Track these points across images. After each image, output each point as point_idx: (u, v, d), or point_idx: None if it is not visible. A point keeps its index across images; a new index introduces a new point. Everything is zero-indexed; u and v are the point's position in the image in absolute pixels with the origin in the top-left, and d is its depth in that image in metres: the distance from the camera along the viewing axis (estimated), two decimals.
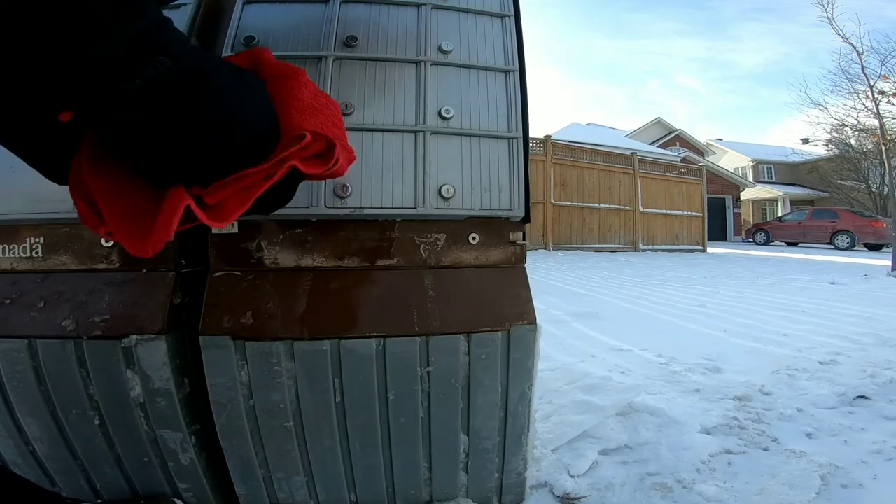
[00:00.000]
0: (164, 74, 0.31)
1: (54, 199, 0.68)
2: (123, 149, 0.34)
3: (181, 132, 0.33)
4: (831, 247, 12.41)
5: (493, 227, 0.76)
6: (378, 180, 0.72)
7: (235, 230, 0.71)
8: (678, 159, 15.03)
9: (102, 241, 0.70)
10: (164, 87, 0.32)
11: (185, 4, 0.77)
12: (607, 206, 9.02)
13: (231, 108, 0.36)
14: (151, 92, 0.31)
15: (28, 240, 0.71)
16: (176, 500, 0.76)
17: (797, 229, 13.76)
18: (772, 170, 23.32)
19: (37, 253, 0.71)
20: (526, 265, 0.78)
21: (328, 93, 0.72)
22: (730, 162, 22.98)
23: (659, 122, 23.54)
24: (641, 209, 9.39)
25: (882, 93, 6.93)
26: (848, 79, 8.23)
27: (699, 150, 22.76)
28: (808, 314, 2.87)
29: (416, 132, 0.73)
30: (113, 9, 0.29)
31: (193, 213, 0.36)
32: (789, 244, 13.88)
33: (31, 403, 0.69)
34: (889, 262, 5.92)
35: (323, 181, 0.68)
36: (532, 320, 0.73)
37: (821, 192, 19.98)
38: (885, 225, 11.22)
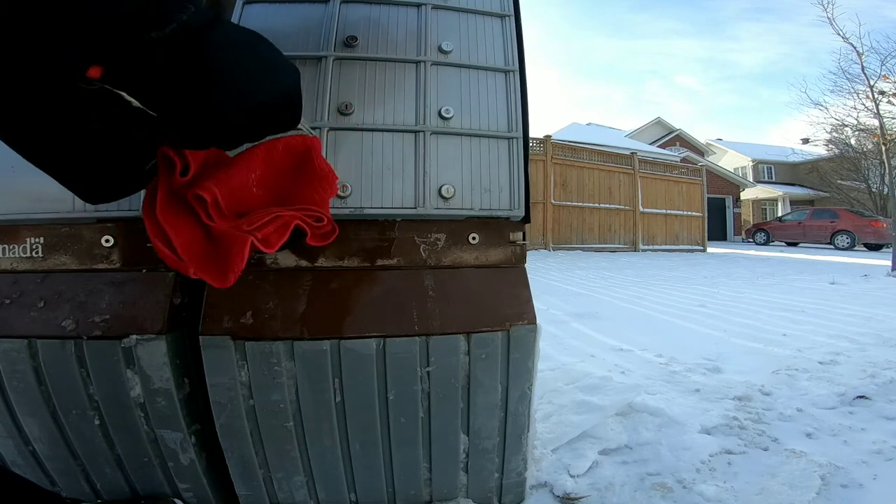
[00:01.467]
0: (192, 18, 0.30)
1: (54, 198, 0.68)
2: (158, 106, 0.34)
3: (209, 82, 0.33)
4: (831, 247, 12.41)
5: (493, 227, 0.76)
6: (378, 180, 0.72)
7: None
8: (678, 159, 15.02)
9: (102, 241, 0.70)
10: (193, 35, 0.31)
11: None
12: (607, 206, 9.02)
13: (253, 61, 0.36)
14: (182, 39, 0.30)
15: (28, 240, 0.71)
16: (176, 500, 0.76)
17: (797, 229, 13.75)
18: (772, 170, 23.32)
19: (37, 253, 0.71)
20: (526, 265, 0.78)
21: (328, 92, 0.73)
22: (730, 162, 22.99)
23: (659, 122, 23.54)
24: (641, 209, 9.39)
25: (882, 93, 6.91)
26: (848, 79, 8.25)
27: (699, 150, 22.76)
28: (808, 314, 2.86)
29: (416, 132, 0.73)
30: None
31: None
32: (789, 244, 13.88)
33: (31, 403, 0.69)
34: (889, 262, 5.92)
35: None
36: (532, 320, 0.73)
37: (821, 192, 19.98)
38: (885, 225, 11.22)
